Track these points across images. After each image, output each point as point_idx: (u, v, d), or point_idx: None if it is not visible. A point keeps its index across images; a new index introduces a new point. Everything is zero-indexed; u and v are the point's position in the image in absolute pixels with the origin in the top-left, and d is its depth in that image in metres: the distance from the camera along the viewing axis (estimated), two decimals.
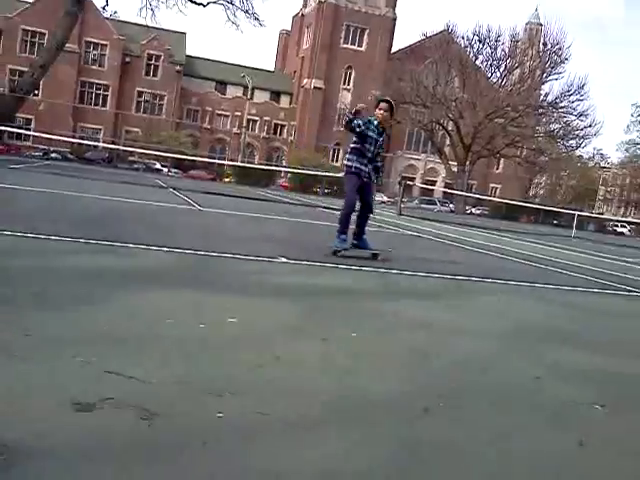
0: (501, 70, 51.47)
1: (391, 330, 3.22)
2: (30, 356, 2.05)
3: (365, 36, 63.76)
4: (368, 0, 63.35)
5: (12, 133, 37.40)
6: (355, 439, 1.74)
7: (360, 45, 63.90)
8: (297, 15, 69.38)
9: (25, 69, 42.66)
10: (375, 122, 6.11)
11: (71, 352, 2.12)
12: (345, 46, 63.39)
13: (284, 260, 5.21)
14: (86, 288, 3.21)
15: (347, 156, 6.22)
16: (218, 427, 1.70)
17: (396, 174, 56.73)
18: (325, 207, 19.68)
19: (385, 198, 43.80)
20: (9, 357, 2.01)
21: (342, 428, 1.81)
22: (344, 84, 63.85)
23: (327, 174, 35.69)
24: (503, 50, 50.88)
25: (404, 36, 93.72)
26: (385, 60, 61.29)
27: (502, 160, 60.70)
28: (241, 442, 1.63)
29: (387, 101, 6.30)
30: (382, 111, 6.10)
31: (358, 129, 5.95)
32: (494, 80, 51.55)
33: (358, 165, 6.11)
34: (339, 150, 62.56)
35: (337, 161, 61.66)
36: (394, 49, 64.56)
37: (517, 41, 51.71)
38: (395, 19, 65.30)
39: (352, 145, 6.17)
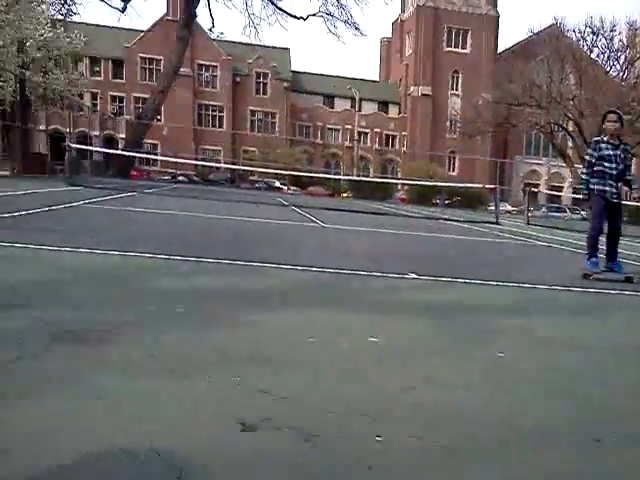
0: (621, 62, 47.84)
1: (538, 349, 3.06)
2: (185, 375, 2.14)
3: (468, 37, 62.05)
4: (468, 0, 61.81)
5: (142, 158, 40.18)
6: (520, 473, 1.66)
7: (464, 47, 62.25)
8: (396, 21, 68.26)
9: (146, 96, 45.68)
10: (605, 138, 6.14)
11: (221, 371, 2.20)
12: (449, 49, 61.97)
13: (414, 276, 5.15)
14: (226, 308, 3.33)
15: (590, 180, 6.19)
16: (379, 451, 1.69)
17: (518, 181, 54.44)
18: (446, 219, 19.33)
19: (509, 207, 41.99)
20: (170, 375, 2.12)
21: (505, 458, 1.73)
22: (452, 89, 62.35)
23: (448, 184, 34.82)
24: (621, 40, 47.09)
25: (509, 35, 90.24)
26: (492, 61, 59.36)
27: (634, 160, 56.51)
28: (402, 469, 1.60)
29: (614, 112, 6.35)
30: (611, 123, 6.11)
31: (593, 160, 6.09)
32: (614, 74, 48.15)
33: (600, 187, 6.11)
34: (454, 158, 61.16)
35: (453, 170, 60.34)
36: (500, 49, 62.37)
37: (636, 29, 47.88)
38: (498, 17, 63.07)
39: (595, 168, 6.14)
